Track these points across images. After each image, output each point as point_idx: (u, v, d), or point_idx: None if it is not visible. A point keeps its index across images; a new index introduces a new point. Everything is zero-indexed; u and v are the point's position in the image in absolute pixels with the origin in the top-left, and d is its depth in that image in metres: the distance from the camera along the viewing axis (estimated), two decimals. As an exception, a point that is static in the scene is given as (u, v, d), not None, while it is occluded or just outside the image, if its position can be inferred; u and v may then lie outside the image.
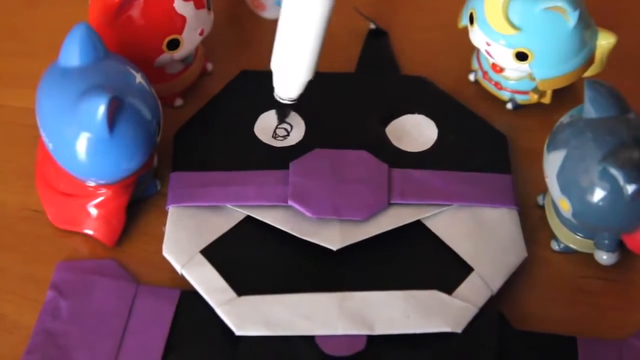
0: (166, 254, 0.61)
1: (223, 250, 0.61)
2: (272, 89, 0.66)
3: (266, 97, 0.67)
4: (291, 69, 0.62)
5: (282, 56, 0.62)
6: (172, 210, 0.63)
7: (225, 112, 0.68)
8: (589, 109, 0.57)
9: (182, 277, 0.60)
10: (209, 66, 0.72)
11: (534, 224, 0.64)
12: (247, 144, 0.66)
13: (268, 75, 0.70)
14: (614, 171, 0.55)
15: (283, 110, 0.66)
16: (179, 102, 0.70)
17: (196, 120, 0.68)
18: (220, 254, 0.60)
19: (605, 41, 0.65)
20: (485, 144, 0.67)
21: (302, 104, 0.66)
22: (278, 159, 0.64)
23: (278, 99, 0.64)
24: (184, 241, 0.61)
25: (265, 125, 0.67)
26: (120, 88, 0.58)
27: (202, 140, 0.66)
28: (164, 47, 0.65)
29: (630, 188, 0.54)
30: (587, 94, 0.57)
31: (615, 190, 0.55)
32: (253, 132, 0.67)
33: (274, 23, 0.75)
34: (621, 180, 0.55)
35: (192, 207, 0.63)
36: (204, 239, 0.61)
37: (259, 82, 0.69)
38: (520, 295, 0.61)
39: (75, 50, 0.59)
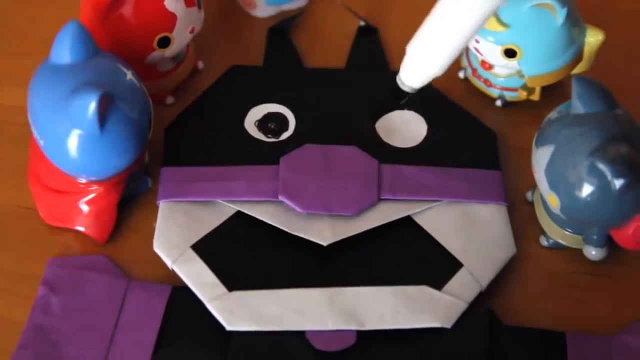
0: (157, 249, 0.61)
1: (214, 245, 0.61)
2: (261, 84, 0.66)
3: (256, 92, 0.67)
4: (429, 60, 0.61)
5: (424, 44, 0.61)
6: (163, 206, 0.63)
7: (216, 106, 0.68)
8: (577, 105, 0.58)
9: (173, 273, 0.60)
10: (200, 64, 0.73)
11: (523, 220, 0.65)
12: (237, 138, 0.66)
13: (258, 70, 0.70)
14: (601, 166, 0.55)
15: (398, 96, 0.64)
16: (170, 99, 0.70)
17: (186, 115, 0.68)
18: (211, 249, 0.61)
19: (593, 38, 0.66)
20: (474, 140, 0.67)
21: (292, 99, 0.67)
22: (268, 154, 0.65)
23: (399, 82, 0.64)
24: (174, 236, 0.61)
25: (256, 120, 0.67)
26: (111, 85, 0.58)
27: (192, 135, 0.67)
28: (155, 44, 0.65)
29: (617, 183, 0.55)
30: (575, 89, 0.58)
31: (603, 185, 0.56)
32: (243, 126, 0.67)
33: (264, 21, 0.76)
34: (609, 175, 0.55)
35: (182, 202, 0.63)
36: (195, 234, 0.61)
37: (249, 77, 0.70)
38: (510, 291, 0.62)
39: (67, 48, 0.59)
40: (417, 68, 0.62)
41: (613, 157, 0.55)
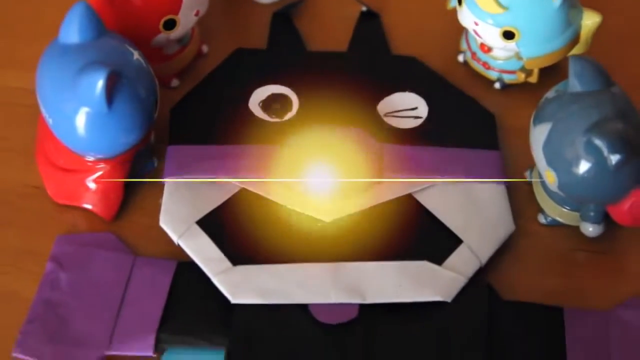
0: (163, 224, 0.62)
1: (219, 221, 0.62)
2: (265, 66, 0.68)
3: (260, 73, 0.69)
4: None
5: None
6: (169, 183, 0.64)
7: (221, 87, 0.69)
8: (574, 83, 0.58)
9: (179, 251, 0.61)
10: (205, 48, 0.74)
11: (521, 199, 0.65)
12: (242, 118, 0.67)
13: (262, 52, 0.71)
14: (598, 142, 0.56)
15: None
16: (175, 82, 0.71)
17: (193, 94, 0.69)
18: (216, 225, 0.62)
19: (590, 21, 0.67)
20: (473, 121, 0.68)
21: (295, 81, 0.68)
22: (272, 133, 0.66)
23: None
24: (180, 212, 0.62)
25: (260, 101, 0.68)
26: (119, 64, 0.59)
27: (198, 114, 0.68)
28: (161, 27, 0.66)
29: (614, 158, 0.56)
30: (572, 68, 0.58)
31: (599, 161, 0.57)
32: (248, 107, 0.68)
33: (267, 6, 0.77)
34: (605, 151, 0.56)
35: (188, 179, 0.64)
36: (200, 210, 0.62)
37: (254, 59, 0.71)
38: (508, 268, 0.63)
39: (75, 28, 0.60)
40: None
41: (609, 133, 0.56)
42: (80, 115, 0.59)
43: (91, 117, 0.59)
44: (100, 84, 0.57)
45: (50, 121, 0.60)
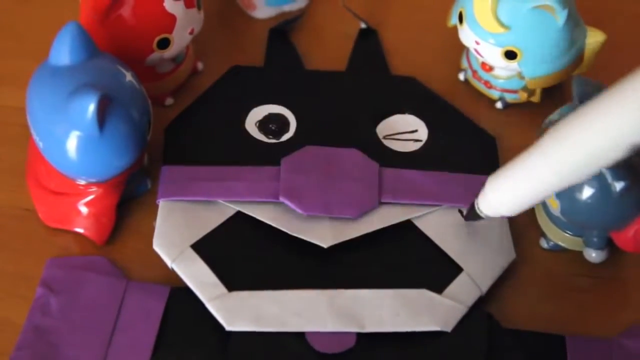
0: (156, 247, 0.60)
1: (214, 245, 0.61)
2: (262, 84, 0.67)
3: (257, 92, 0.67)
4: (510, 204, 0.57)
5: (512, 187, 0.56)
6: (163, 204, 0.62)
7: (217, 106, 0.68)
8: (577, 105, 0.57)
9: (172, 275, 0.60)
10: (200, 65, 0.73)
11: (523, 222, 0.64)
12: (238, 139, 0.66)
13: (259, 70, 0.70)
14: (602, 169, 0.55)
15: (472, 216, 0.60)
16: (169, 101, 0.70)
17: (187, 114, 0.68)
18: (211, 249, 0.60)
19: (594, 40, 0.66)
20: (474, 145, 0.67)
21: (293, 101, 0.67)
22: (269, 154, 0.65)
23: (476, 207, 0.59)
24: (174, 235, 0.61)
25: (256, 121, 0.67)
26: (111, 86, 0.58)
27: (193, 134, 0.66)
28: (155, 46, 0.65)
29: (618, 185, 0.55)
30: (575, 90, 0.57)
31: (603, 188, 0.56)
32: (244, 127, 0.67)
33: (264, 22, 0.76)
34: (609, 178, 0.55)
35: (182, 202, 0.62)
36: (195, 233, 0.61)
37: (251, 77, 0.69)
38: (509, 293, 0.62)
39: (66, 49, 0.59)
40: (497, 204, 0.57)
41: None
42: (72, 139, 0.58)
43: (82, 141, 0.58)
44: (91, 108, 0.56)
45: (40, 144, 0.59)
